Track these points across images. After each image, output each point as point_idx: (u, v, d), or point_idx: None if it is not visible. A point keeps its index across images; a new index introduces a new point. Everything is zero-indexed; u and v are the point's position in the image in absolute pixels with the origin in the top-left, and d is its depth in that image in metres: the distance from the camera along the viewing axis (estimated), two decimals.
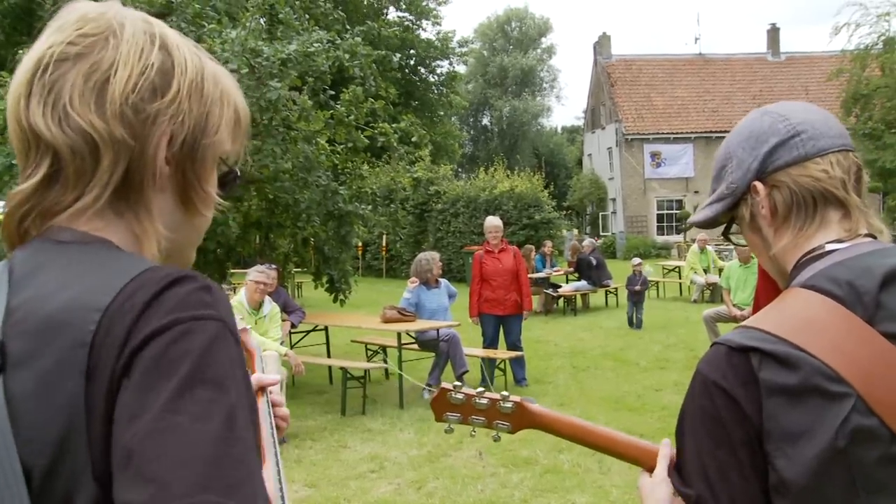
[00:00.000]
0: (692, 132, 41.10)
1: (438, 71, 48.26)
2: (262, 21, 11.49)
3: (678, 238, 37.09)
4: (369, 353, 10.90)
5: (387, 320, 9.55)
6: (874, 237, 1.35)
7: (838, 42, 60.36)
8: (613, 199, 43.61)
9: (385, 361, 10.50)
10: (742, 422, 1.21)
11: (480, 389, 1.70)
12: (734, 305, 11.05)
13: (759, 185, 1.37)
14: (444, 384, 1.72)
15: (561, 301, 17.97)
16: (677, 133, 41.31)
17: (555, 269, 19.25)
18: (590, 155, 49.18)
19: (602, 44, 46.19)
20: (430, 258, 10.28)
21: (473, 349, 10.06)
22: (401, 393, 9.14)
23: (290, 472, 6.47)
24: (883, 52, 28.56)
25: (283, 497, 1.26)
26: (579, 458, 6.83)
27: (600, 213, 45.74)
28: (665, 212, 41.67)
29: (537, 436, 7.81)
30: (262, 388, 1.52)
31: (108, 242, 0.96)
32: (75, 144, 0.94)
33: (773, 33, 46.22)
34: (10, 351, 0.87)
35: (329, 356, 10.92)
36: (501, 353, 10.04)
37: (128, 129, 0.96)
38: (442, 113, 47.55)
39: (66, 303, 0.88)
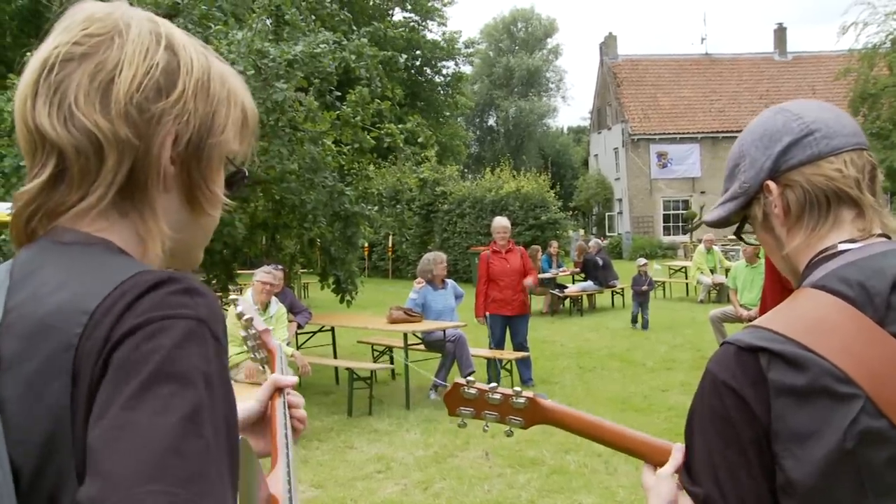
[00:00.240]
0: (698, 132, 41.04)
1: (444, 72, 48.30)
2: (268, 22, 11.52)
3: (684, 238, 37.01)
4: (375, 353, 10.90)
5: (393, 321, 9.55)
6: (888, 237, 1.33)
7: (846, 41, 60.19)
8: (620, 200, 43.57)
9: (391, 361, 10.51)
10: (751, 421, 1.20)
11: (493, 385, 1.71)
12: (741, 306, 11.03)
13: (771, 184, 1.36)
14: (458, 379, 1.74)
15: (567, 301, 17.96)
16: (683, 133, 41.24)
17: (561, 269, 19.23)
18: (596, 155, 49.15)
19: (608, 44, 46.15)
20: (432, 258, 10.28)
21: (480, 350, 10.07)
22: (407, 393, 9.14)
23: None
24: (891, 51, 28.47)
25: (290, 500, 1.25)
26: (586, 459, 6.83)
27: (606, 214, 45.70)
28: (671, 212, 41.62)
29: (544, 436, 7.82)
30: (280, 389, 1.52)
31: (109, 244, 0.97)
32: (80, 144, 0.95)
33: (780, 33, 46.13)
34: (3, 353, 0.88)
35: (335, 357, 10.93)
36: (508, 353, 10.04)
37: (132, 129, 0.96)
38: (448, 113, 47.57)
39: (57, 306, 0.88)
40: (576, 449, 6.98)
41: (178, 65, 1.01)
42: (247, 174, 1.15)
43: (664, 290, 20.82)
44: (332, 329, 11.11)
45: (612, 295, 18.89)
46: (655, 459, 1.54)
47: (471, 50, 53.59)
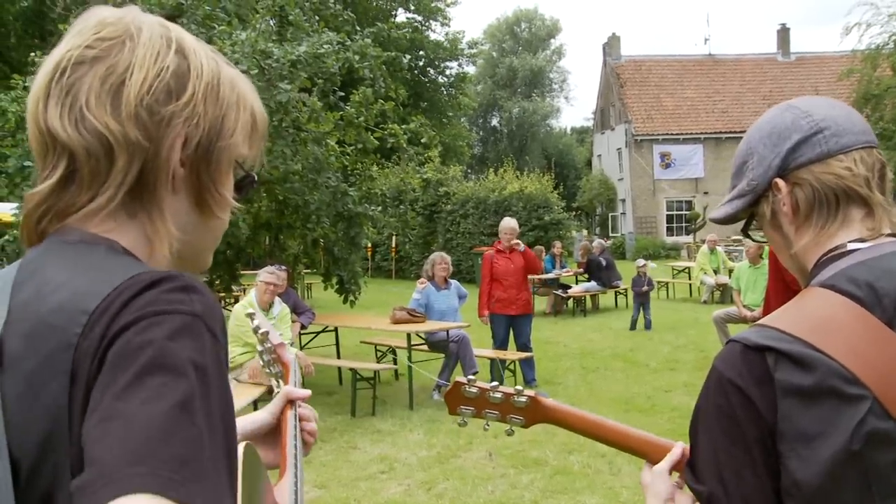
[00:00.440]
0: (702, 133, 41.04)
1: (448, 72, 48.34)
2: (271, 23, 11.53)
3: (688, 239, 37.01)
4: (379, 354, 10.91)
5: (396, 321, 9.56)
6: None
7: (849, 42, 60.03)
8: (623, 200, 43.54)
9: (395, 361, 10.52)
10: (756, 420, 1.19)
11: (494, 383, 1.71)
12: (744, 306, 11.02)
13: (780, 182, 1.35)
14: (459, 378, 1.73)
15: (570, 302, 17.96)
16: (687, 134, 41.24)
17: (564, 270, 19.23)
18: (599, 156, 49.14)
19: (611, 45, 46.15)
20: (435, 259, 10.31)
21: (483, 350, 10.06)
22: (410, 394, 9.14)
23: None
24: (894, 52, 28.40)
25: None
26: (589, 460, 6.83)
27: (610, 214, 45.67)
28: (675, 213, 41.60)
29: (547, 437, 7.82)
30: (292, 401, 1.53)
31: (114, 244, 0.97)
32: (90, 146, 0.96)
33: (784, 33, 46.11)
34: (5, 351, 0.89)
35: (339, 357, 10.93)
36: (511, 353, 10.04)
37: (142, 131, 0.97)
38: (451, 114, 47.60)
39: (58, 305, 0.89)
40: (579, 449, 6.98)
41: (188, 68, 1.02)
42: (255, 178, 1.16)
43: (667, 290, 20.80)
44: (336, 329, 11.11)
45: (616, 295, 18.88)
46: (657, 458, 1.54)
47: (474, 50, 53.60)
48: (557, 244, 20.10)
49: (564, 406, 1.68)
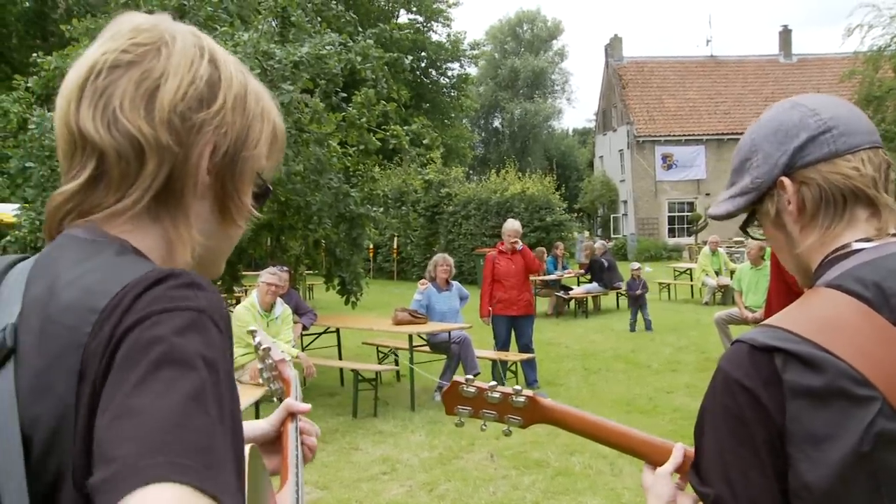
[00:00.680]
0: (704, 134, 41.03)
1: (449, 73, 48.37)
2: (273, 24, 11.54)
3: (689, 240, 36.99)
4: (380, 355, 10.91)
5: (398, 322, 9.56)
6: None
7: (851, 43, 60.04)
8: (625, 202, 43.53)
9: (396, 363, 10.51)
10: (765, 421, 1.18)
11: (493, 383, 1.70)
12: (746, 308, 11.01)
13: (786, 180, 1.33)
14: (457, 378, 1.72)
15: (572, 303, 17.96)
16: (689, 135, 41.24)
17: (566, 271, 19.23)
18: (601, 157, 49.14)
19: (613, 46, 46.16)
20: (437, 260, 10.32)
21: (485, 351, 10.06)
22: (412, 395, 9.14)
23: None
24: None
25: None
26: (591, 461, 6.82)
27: (611, 216, 45.67)
28: (676, 214, 41.60)
29: (549, 438, 7.81)
30: (293, 414, 1.53)
31: (125, 243, 0.98)
32: (122, 148, 0.98)
33: (785, 35, 46.10)
34: (19, 346, 0.90)
35: (340, 358, 10.93)
36: (513, 355, 10.04)
37: (174, 136, 0.99)
38: (453, 115, 47.62)
39: (68, 304, 0.90)
40: (581, 450, 6.98)
41: (219, 78, 1.05)
42: (271, 189, 1.18)
43: (669, 291, 20.80)
44: (337, 330, 11.12)
45: (617, 297, 18.86)
46: (657, 459, 1.53)
47: (476, 51, 53.62)
48: (560, 245, 20.10)
49: (563, 406, 1.67)
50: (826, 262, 1.32)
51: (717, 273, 18.13)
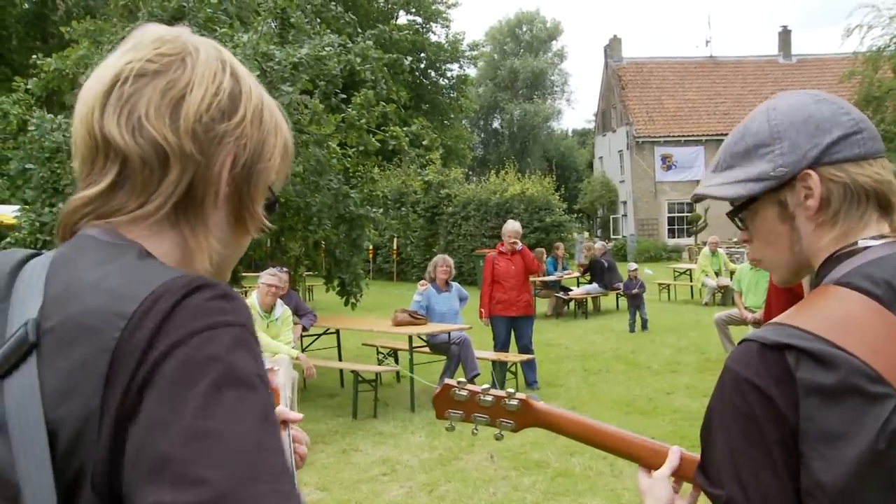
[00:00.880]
0: (703, 135, 41.02)
1: (449, 74, 48.38)
2: (273, 25, 11.54)
3: (689, 241, 36.97)
4: (380, 356, 10.90)
5: (398, 323, 9.56)
6: None
7: (850, 44, 60.02)
8: (624, 202, 43.53)
9: (397, 364, 10.51)
10: (777, 420, 1.16)
11: (486, 386, 1.68)
12: (745, 308, 11.00)
13: (814, 174, 1.30)
14: (448, 381, 1.69)
15: (572, 304, 17.96)
16: (688, 136, 41.25)
17: (566, 272, 19.23)
18: (600, 158, 49.14)
19: (613, 47, 46.18)
20: (437, 261, 10.33)
21: (484, 352, 10.05)
22: (412, 396, 9.14)
23: (301, 476, 6.47)
24: (895, 54, 28.42)
25: None
26: (591, 462, 6.82)
27: (611, 216, 45.68)
28: (676, 214, 41.58)
29: (549, 439, 7.82)
30: (285, 422, 1.54)
31: (141, 247, 0.99)
32: (147, 155, 1.00)
33: (785, 35, 46.13)
34: (42, 348, 0.90)
35: (340, 359, 10.93)
36: (512, 356, 10.04)
37: (197, 146, 1.02)
38: (452, 116, 47.63)
39: (93, 306, 0.90)
40: (581, 451, 6.98)
41: (240, 91, 1.08)
42: (277, 200, 1.20)
43: (669, 292, 20.80)
44: (337, 331, 11.12)
45: (617, 298, 18.85)
46: (651, 462, 1.53)
47: (475, 52, 53.63)
48: (560, 246, 20.09)
49: (556, 409, 1.65)
50: (832, 259, 1.31)
51: (717, 274, 18.11)
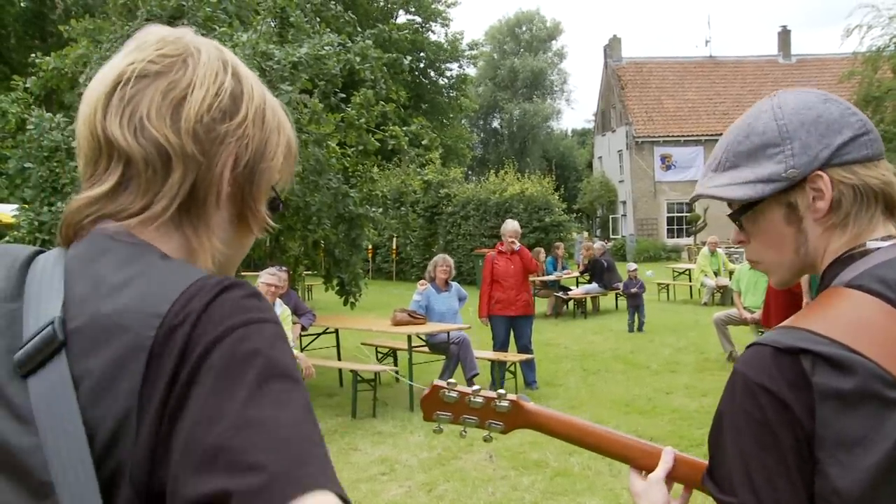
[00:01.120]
0: (702, 135, 41.03)
1: (448, 74, 48.37)
2: (272, 24, 11.52)
3: (688, 241, 36.98)
4: (379, 355, 10.90)
5: (397, 323, 9.56)
6: None
7: (850, 44, 60.03)
8: (623, 202, 43.55)
9: (396, 363, 10.50)
10: (791, 426, 1.14)
11: (476, 387, 1.64)
12: (745, 308, 11.01)
13: (825, 176, 1.27)
14: (437, 381, 1.64)
15: (571, 304, 17.96)
16: (687, 136, 41.26)
17: (565, 271, 19.23)
18: (600, 157, 49.15)
19: (612, 46, 46.20)
20: (437, 261, 10.33)
21: (484, 352, 10.06)
22: (411, 395, 9.14)
23: None
24: (895, 54, 28.43)
25: None
26: (590, 461, 6.82)
27: (610, 216, 45.68)
28: (675, 214, 41.59)
29: (548, 438, 7.82)
30: None
31: (153, 248, 1.00)
32: (149, 155, 1.00)
33: (784, 35, 46.16)
34: (71, 348, 0.90)
35: (339, 359, 10.94)
36: (512, 355, 10.03)
37: (198, 146, 1.02)
38: (452, 116, 47.63)
39: (124, 305, 0.90)
40: (580, 451, 6.96)
41: (241, 91, 1.08)
42: (281, 201, 1.20)
43: (668, 292, 20.81)
44: (336, 331, 11.12)
45: (616, 298, 18.86)
46: (644, 464, 1.51)
47: (475, 52, 53.61)
48: (560, 245, 20.10)
49: (547, 410, 1.64)
50: (839, 261, 1.29)
51: (716, 274, 18.12)
